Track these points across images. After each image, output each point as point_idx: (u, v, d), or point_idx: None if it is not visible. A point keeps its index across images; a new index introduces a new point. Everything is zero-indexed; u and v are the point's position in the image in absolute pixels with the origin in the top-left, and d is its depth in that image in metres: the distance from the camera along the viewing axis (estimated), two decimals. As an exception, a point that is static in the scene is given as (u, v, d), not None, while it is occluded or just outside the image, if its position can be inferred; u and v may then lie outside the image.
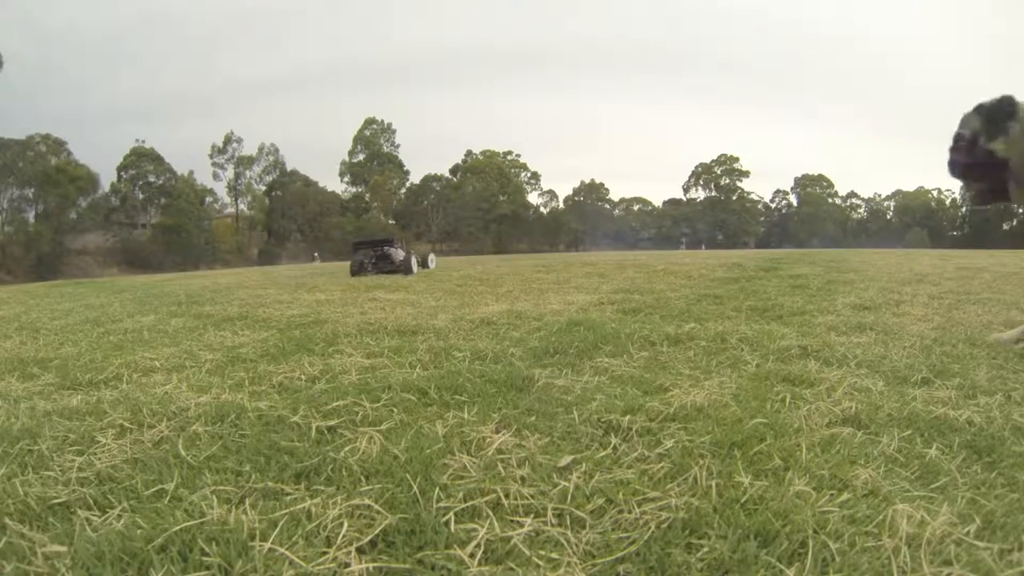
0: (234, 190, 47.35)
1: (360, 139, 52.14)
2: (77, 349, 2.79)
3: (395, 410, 1.54)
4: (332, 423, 1.44)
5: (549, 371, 1.94)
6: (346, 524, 0.95)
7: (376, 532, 0.93)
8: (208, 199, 46.28)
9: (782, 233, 53.25)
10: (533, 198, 56.49)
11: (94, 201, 40.05)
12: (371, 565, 0.85)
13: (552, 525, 0.95)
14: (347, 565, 0.85)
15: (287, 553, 0.87)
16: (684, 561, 0.85)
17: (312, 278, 8.80)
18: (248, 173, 47.59)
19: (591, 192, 56.56)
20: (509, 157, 55.51)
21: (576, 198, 56.59)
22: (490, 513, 0.98)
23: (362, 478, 1.13)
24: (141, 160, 42.96)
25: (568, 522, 0.96)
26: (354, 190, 51.84)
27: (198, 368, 2.18)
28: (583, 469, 1.15)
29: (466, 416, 1.48)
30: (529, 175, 56.07)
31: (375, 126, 52.25)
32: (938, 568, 0.83)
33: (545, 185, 61.84)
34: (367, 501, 1.01)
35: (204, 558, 0.86)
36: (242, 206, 48.24)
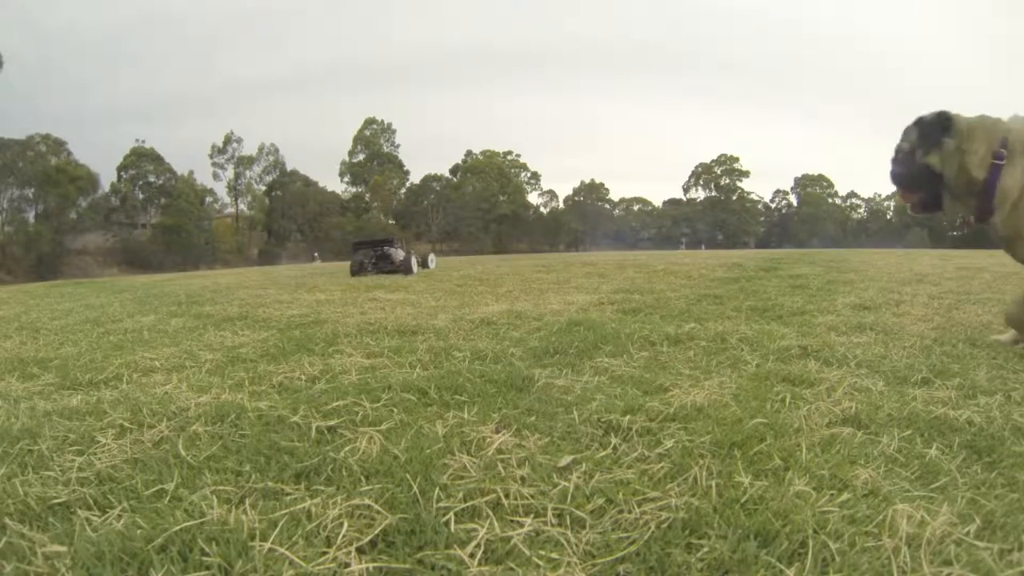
0: (234, 190, 47.39)
1: (360, 139, 52.16)
2: (77, 349, 2.79)
3: (395, 410, 1.54)
4: (332, 423, 1.44)
5: (549, 371, 1.94)
6: (346, 524, 0.95)
7: (376, 532, 0.93)
8: (208, 199, 46.33)
9: (782, 233, 53.26)
10: (533, 198, 56.55)
11: (94, 201, 40.06)
12: (371, 565, 0.85)
13: (552, 525, 0.95)
14: (347, 565, 0.85)
15: (287, 553, 0.87)
16: (684, 561, 0.85)
17: (312, 278, 8.80)
18: (248, 173, 47.62)
19: (591, 192, 56.58)
20: (509, 157, 55.53)
21: (576, 198, 56.61)
22: (490, 513, 0.98)
23: (362, 478, 1.13)
24: (141, 160, 42.98)
25: (568, 522, 0.96)
26: (354, 190, 51.87)
27: (198, 368, 2.18)
28: (583, 469, 1.15)
29: (466, 416, 1.48)
30: (529, 175, 56.11)
31: (375, 126, 52.27)
32: (938, 568, 0.83)
33: (545, 185, 61.94)
34: (367, 501, 1.01)
35: (204, 558, 0.86)
36: (242, 206, 48.28)
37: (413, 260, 10.20)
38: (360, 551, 0.89)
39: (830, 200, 54.28)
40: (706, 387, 1.69)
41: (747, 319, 2.97)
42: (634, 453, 1.23)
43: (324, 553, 0.88)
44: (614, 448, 1.26)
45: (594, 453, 1.23)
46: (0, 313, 5.21)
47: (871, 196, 53.69)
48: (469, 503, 1.02)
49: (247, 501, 1.04)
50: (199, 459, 1.24)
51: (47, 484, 1.14)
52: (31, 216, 37.81)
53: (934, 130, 2.23)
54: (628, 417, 1.43)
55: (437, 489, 1.06)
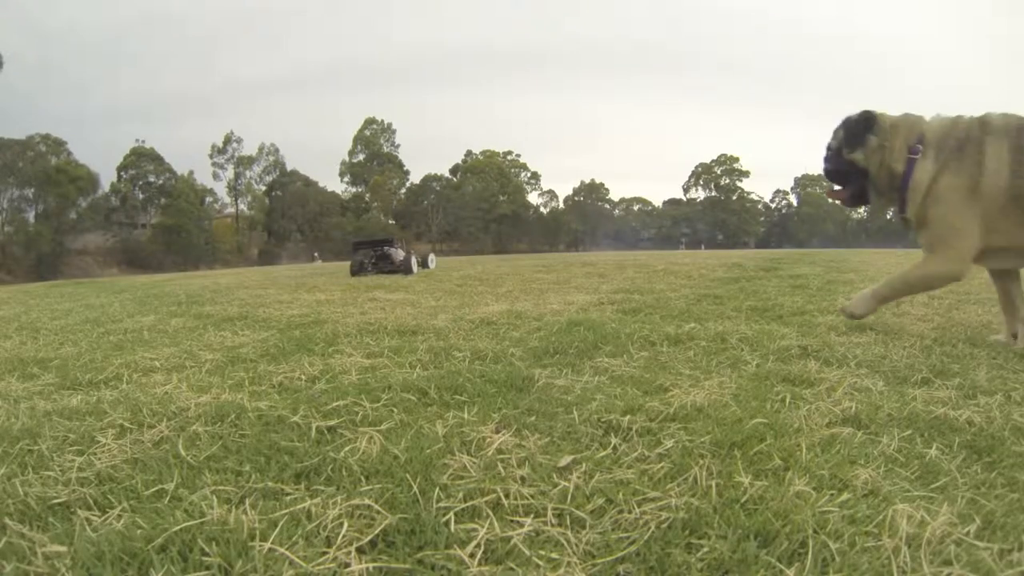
0: (234, 190, 47.42)
1: (360, 139, 52.18)
2: (77, 349, 2.79)
3: (395, 410, 1.54)
4: (332, 423, 1.44)
5: (549, 371, 1.94)
6: (346, 524, 0.95)
7: (376, 532, 0.93)
8: (208, 199, 46.35)
9: (782, 233, 53.28)
10: (533, 198, 56.60)
11: (94, 201, 40.06)
12: (371, 565, 0.85)
13: (552, 525, 0.95)
14: (347, 565, 0.85)
15: (287, 553, 0.87)
16: (684, 561, 0.85)
17: (312, 278, 8.80)
18: (248, 173, 47.66)
19: (591, 192, 56.59)
20: (509, 157, 55.55)
21: (576, 198, 56.64)
22: (490, 513, 0.98)
23: (362, 478, 1.13)
24: (141, 160, 42.99)
25: (568, 522, 0.96)
26: (354, 190, 51.90)
27: (198, 368, 2.18)
28: (583, 469, 1.15)
29: (466, 416, 1.48)
30: (529, 175, 56.14)
31: (375, 126, 52.29)
32: (938, 568, 0.83)
33: (545, 185, 62.03)
34: (367, 501, 1.01)
35: (204, 558, 0.86)
36: (242, 206, 48.30)
37: (413, 260, 10.20)
38: (360, 551, 0.89)
39: (830, 200, 54.28)
40: (706, 387, 1.69)
41: (747, 319, 2.97)
42: (634, 453, 1.23)
43: (324, 553, 0.88)
44: (614, 448, 1.26)
45: (594, 453, 1.23)
46: (0, 313, 5.22)
47: (871, 196, 53.62)
48: (469, 503, 1.02)
49: (247, 501, 1.04)
50: (199, 459, 1.24)
51: (47, 484, 1.14)
52: (31, 216, 37.83)
53: (859, 128, 2.37)
54: (628, 417, 1.43)
55: (437, 489, 1.06)
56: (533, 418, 1.46)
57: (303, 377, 1.96)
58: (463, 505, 1.01)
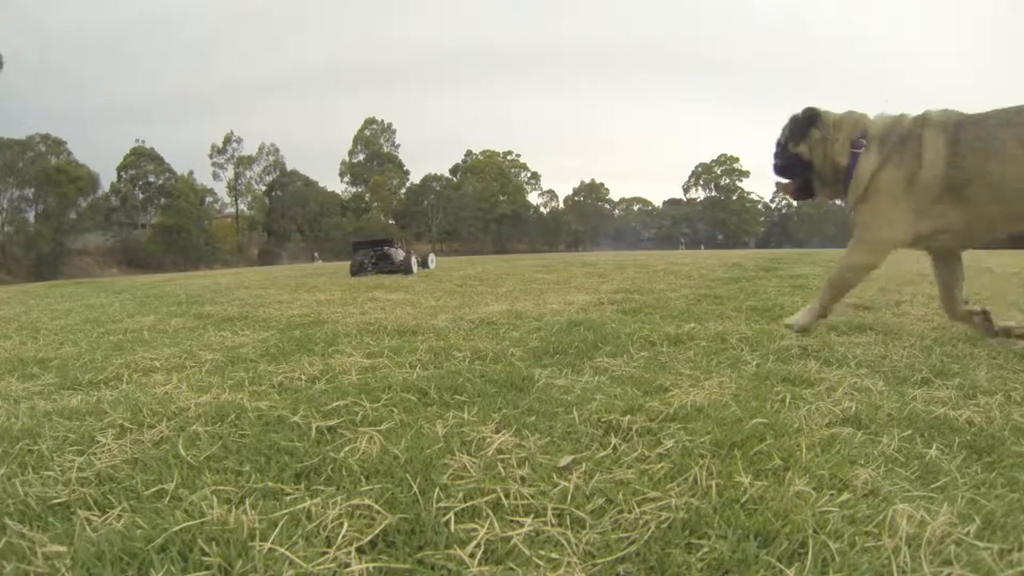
0: (234, 190, 47.42)
1: (360, 139, 52.18)
2: (77, 349, 2.79)
3: (395, 410, 1.54)
4: (332, 423, 1.44)
5: (549, 371, 1.94)
6: (346, 524, 0.95)
7: (376, 532, 0.93)
8: (208, 199, 46.34)
9: (782, 233, 53.28)
10: (533, 198, 56.61)
11: (94, 201, 40.06)
12: (371, 565, 0.85)
13: (552, 525, 0.95)
14: (347, 565, 0.85)
15: (287, 553, 0.87)
16: (684, 561, 0.85)
17: (312, 278, 8.80)
18: (248, 173, 47.66)
19: (591, 192, 56.59)
20: (509, 157, 55.55)
21: (576, 198, 56.63)
22: (490, 513, 0.98)
23: (362, 478, 1.13)
24: (141, 160, 43.00)
25: (568, 522, 0.96)
26: (354, 190, 51.91)
27: (198, 368, 2.18)
28: (583, 469, 1.15)
29: (466, 416, 1.48)
30: (529, 175, 56.14)
31: (375, 126, 52.29)
32: (938, 568, 0.83)
33: (545, 185, 62.05)
34: (367, 501, 1.01)
35: (204, 558, 0.86)
36: (242, 206, 48.30)
37: (413, 260, 10.21)
38: (360, 551, 0.89)
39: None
40: (706, 387, 1.69)
41: (747, 319, 2.97)
42: (634, 453, 1.23)
43: (324, 553, 0.88)
44: (614, 448, 1.26)
45: (594, 453, 1.23)
46: (0, 313, 5.22)
47: (871, 196, 53.63)
48: (469, 503, 1.02)
49: (247, 501, 1.04)
50: (199, 459, 1.24)
51: (47, 484, 1.14)
52: (31, 216, 37.82)
53: (803, 123, 2.54)
54: (628, 417, 1.43)
55: (437, 489, 1.06)
56: (533, 418, 1.46)
57: (303, 377, 1.96)
58: (463, 505, 1.01)
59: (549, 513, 0.98)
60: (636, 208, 58.07)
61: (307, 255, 39.55)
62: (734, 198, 54.45)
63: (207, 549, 0.88)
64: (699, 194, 56.08)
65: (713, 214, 53.66)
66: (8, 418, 1.57)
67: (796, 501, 1.00)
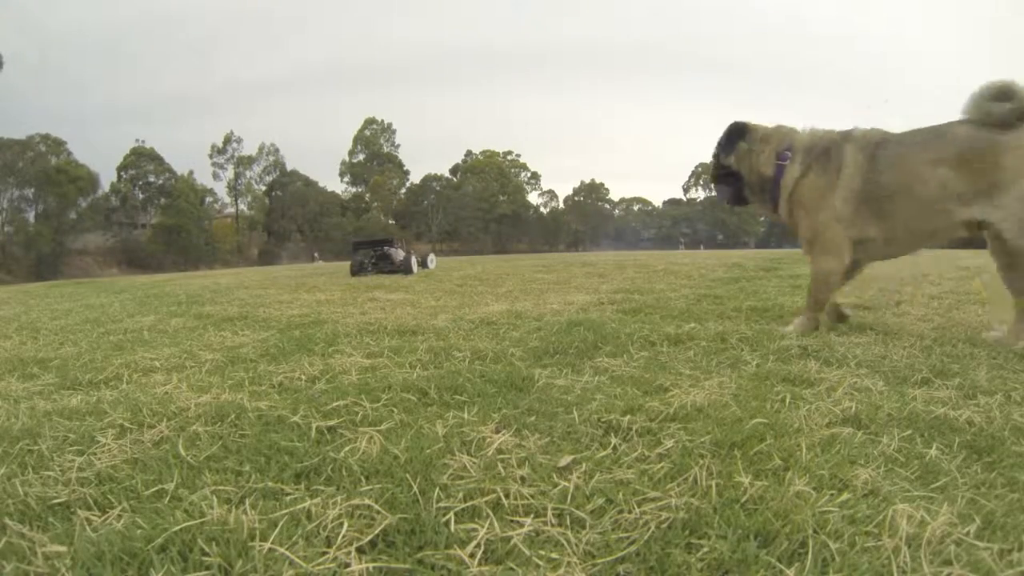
0: (234, 190, 47.40)
1: (360, 139, 52.16)
2: (77, 349, 2.79)
3: (395, 410, 1.54)
4: (332, 423, 1.44)
5: (549, 371, 1.94)
6: (346, 524, 0.95)
7: (376, 532, 0.93)
8: (208, 199, 46.32)
9: (782, 233, 53.19)
10: (533, 198, 56.58)
11: (94, 201, 40.05)
12: (371, 565, 0.85)
13: (552, 525, 0.95)
14: (347, 565, 0.85)
15: (287, 553, 0.87)
16: (684, 561, 0.85)
17: (312, 278, 8.80)
18: (248, 173, 47.63)
19: (591, 192, 56.58)
20: (509, 157, 55.54)
21: (576, 198, 56.62)
22: (490, 513, 0.98)
23: (362, 478, 1.13)
24: (141, 160, 42.98)
25: (568, 522, 0.96)
26: (354, 190, 51.89)
27: (198, 368, 2.18)
28: (583, 469, 1.15)
29: (466, 416, 1.48)
30: (529, 175, 56.11)
31: (375, 126, 52.27)
32: (938, 568, 0.83)
33: (545, 185, 62.04)
34: (367, 501, 1.01)
35: (204, 558, 0.86)
36: (242, 206, 48.28)
37: (413, 260, 10.22)
38: (360, 551, 0.89)
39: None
40: (706, 387, 1.69)
41: (747, 319, 2.97)
42: (634, 453, 1.23)
43: (324, 553, 0.88)
44: (614, 448, 1.26)
45: (594, 453, 1.23)
46: (0, 313, 5.22)
47: (871, 196, 53.63)
48: (469, 503, 1.02)
49: (247, 501, 1.04)
50: (199, 459, 1.24)
51: (47, 484, 1.14)
52: (31, 216, 37.81)
53: (731, 136, 2.74)
54: (628, 417, 1.43)
55: (437, 489, 1.06)
56: (533, 418, 1.46)
57: (303, 377, 1.95)
58: (463, 505, 1.01)
59: (549, 513, 0.98)
60: (636, 208, 58.07)
61: (307, 255, 39.56)
62: (734, 198, 54.36)
63: (207, 549, 0.88)
64: (699, 194, 56.04)
65: (713, 214, 53.62)
66: (8, 418, 1.57)
67: (796, 501, 1.00)
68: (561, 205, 56.90)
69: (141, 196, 43.33)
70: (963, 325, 2.72)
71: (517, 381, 1.79)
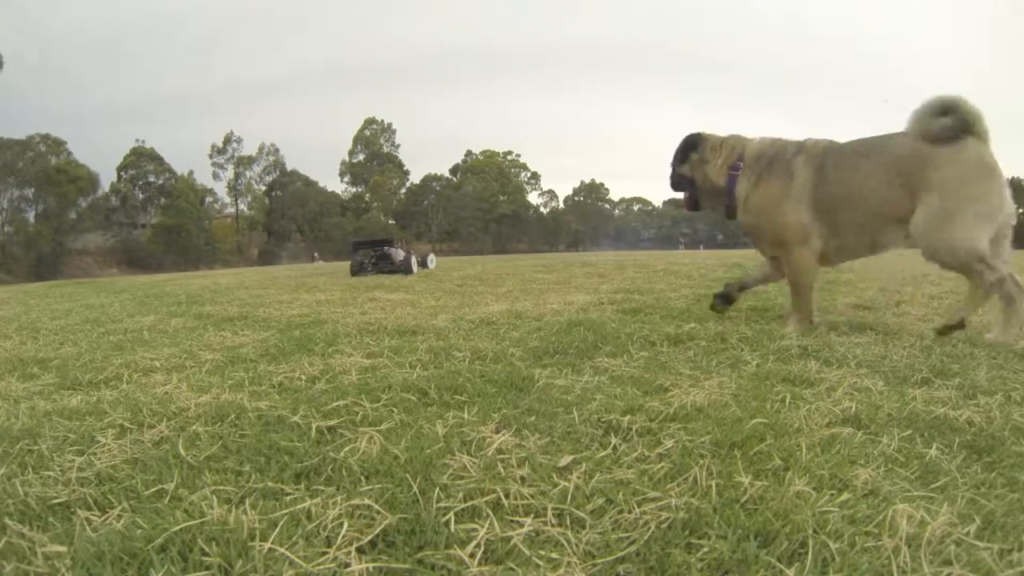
0: (234, 190, 47.42)
1: (360, 139, 52.16)
2: (77, 349, 2.79)
3: (395, 410, 1.54)
4: (332, 423, 1.44)
5: (549, 371, 1.94)
6: (346, 524, 0.95)
7: (376, 532, 0.93)
8: (208, 199, 46.34)
9: (782, 233, 53.11)
10: (533, 198, 56.62)
11: (94, 201, 40.07)
12: (371, 565, 0.85)
13: (552, 525, 0.95)
14: (347, 565, 0.85)
15: (287, 553, 0.87)
16: (684, 561, 0.85)
17: (312, 278, 8.81)
18: (248, 173, 47.65)
19: (591, 192, 56.58)
20: (509, 157, 55.54)
21: (576, 198, 56.64)
22: (490, 513, 0.98)
23: (362, 478, 1.13)
24: (141, 160, 42.99)
25: (568, 522, 0.96)
26: (354, 190, 51.91)
27: (198, 368, 2.18)
28: (583, 469, 1.15)
29: (466, 416, 1.48)
30: (529, 175, 56.13)
31: (375, 126, 52.27)
32: (938, 568, 0.83)
33: (545, 185, 62.11)
34: (367, 501, 1.01)
35: (204, 558, 0.86)
36: (242, 206, 48.29)
37: (413, 260, 10.22)
38: (360, 551, 0.89)
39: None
40: (706, 387, 1.69)
41: (747, 319, 2.97)
42: (634, 453, 1.23)
43: (324, 553, 0.88)
44: (614, 448, 1.26)
45: (594, 453, 1.23)
46: (0, 313, 5.22)
47: (871, 196, 53.64)
48: (469, 503, 1.02)
49: (247, 501, 1.04)
50: (199, 459, 1.24)
51: (47, 484, 1.14)
52: (31, 216, 37.83)
53: (685, 147, 2.93)
54: (628, 417, 1.43)
55: (437, 489, 1.06)
56: (533, 418, 1.46)
57: (303, 377, 1.95)
58: (463, 505, 1.01)
59: (549, 513, 0.98)
60: (636, 208, 58.09)
61: (307, 255, 39.57)
62: (734, 198, 54.36)
63: (207, 549, 0.88)
64: (699, 194, 55.96)
65: (713, 214, 53.63)
66: (8, 418, 1.57)
67: (796, 501, 1.00)
68: (561, 205, 56.93)
69: (141, 196, 43.34)
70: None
71: (517, 381, 1.79)
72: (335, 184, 52.18)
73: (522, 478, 1.12)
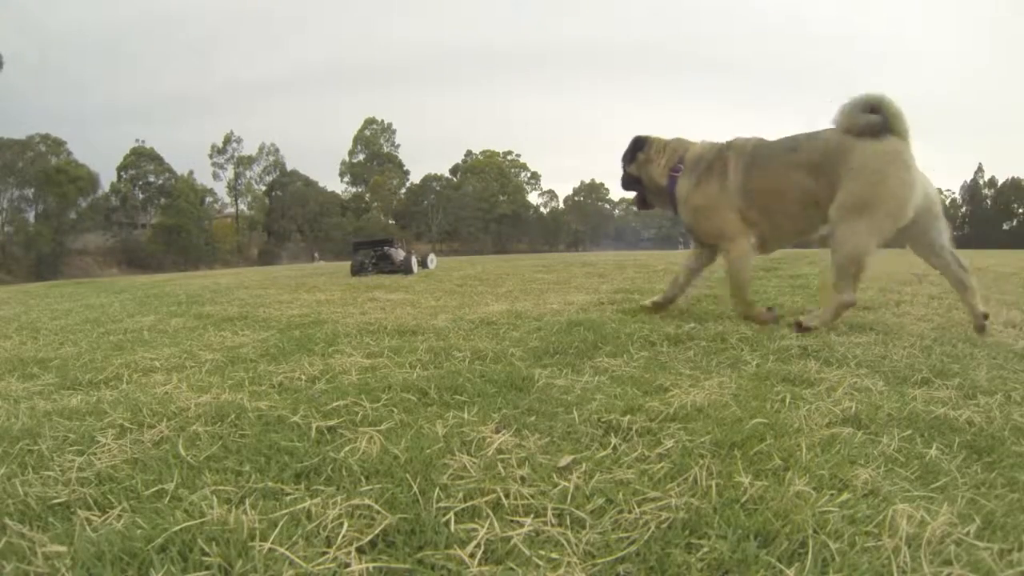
0: (234, 190, 47.43)
1: (360, 139, 52.16)
2: (77, 349, 2.79)
3: (395, 410, 1.54)
4: (332, 423, 1.44)
5: (549, 371, 1.94)
6: (346, 524, 0.95)
7: (376, 532, 0.93)
8: (208, 199, 46.34)
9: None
10: (533, 198, 56.61)
11: (94, 201, 40.08)
12: (371, 565, 0.85)
13: (552, 525, 0.95)
14: (347, 565, 0.85)
15: (287, 553, 0.87)
16: (684, 561, 0.85)
17: (312, 278, 8.80)
18: (248, 173, 47.65)
19: (591, 192, 56.57)
20: (509, 157, 55.54)
21: (576, 198, 56.63)
22: (490, 513, 0.98)
23: (362, 478, 1.13)
24: (141, 160, 43.00)
25: (568, 522, 0.96)
26: (354, 190, 51.91)
27: (198, 368, 2.18)
28: (583, 469, 1.15)
29: (466, 416, 1.48)
30: (529, 175, 56.12)
31: (375, 126, 52.27)
32: (938, 568, 0.83)
33: (545, 185, 62.12)
34: (367, 501, 1.01)
35: (204, 558, 0.86)
36: (242, 206, 48.29)
37: (413, 260, 10.21)
38: (360, 551, 0.89)
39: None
40: (706, 387, 1.69)
41: (747, 319, 2.96)
42: (634, 453, 1.23)
43: (324, 553, 0.88)
44: (614, 448, 1.26)
45: (594, 453, 1.23)
46: (0, 313, 5.22)
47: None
48: (469, 503, 1.02)
49: (247, 501, 1.04)
50: (199, 459, 1.24)
51: (47, 484, 1.14)
52: (31, 216, 37.85)
53: (631, 148, 3.08)
54: (628, 417, 1.43)
55: (437, 489, 1.06)
56: (533, 418, 1.46)
57: (303, 377, 1.95)
58: (463, 505, 1.01)
59: (549, 513, 0.98)
60: (636, 208, 58.06)
61: (307, 255, 39.59)
62: (734, 198, 54.38)
63: (207, 549, 0.88)
64: (699, 194, 55.99)
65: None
66: (8, 418, 1.57)
67: (796, 501, 1.00)
68: (561, 205, 56.93)
69: (141, 196, 43.35)
70: (963, 325, 2.72)
71: (517, 381, 1.79)
72: (335, 184, 52.23)
73: (522, 478, 1.12)
